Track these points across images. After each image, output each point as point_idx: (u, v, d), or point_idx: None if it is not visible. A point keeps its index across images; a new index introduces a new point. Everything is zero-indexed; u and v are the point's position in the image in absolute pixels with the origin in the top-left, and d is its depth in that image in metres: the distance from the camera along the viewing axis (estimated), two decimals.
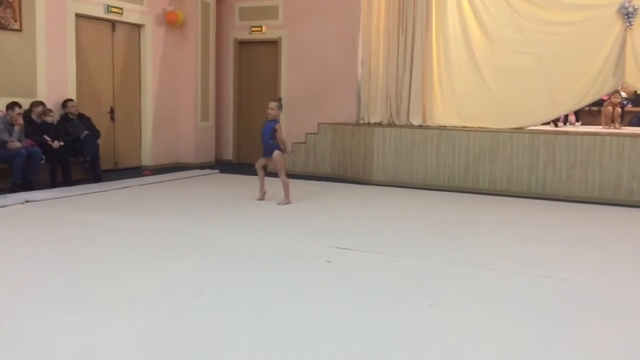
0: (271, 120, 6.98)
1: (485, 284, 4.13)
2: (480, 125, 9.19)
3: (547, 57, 8.86)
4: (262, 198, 7.23)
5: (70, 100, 8.60)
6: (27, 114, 7.95)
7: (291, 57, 10.83)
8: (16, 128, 7.54)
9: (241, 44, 11.43)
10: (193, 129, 10.96)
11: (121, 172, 9.50)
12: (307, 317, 3.42)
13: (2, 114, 7.63)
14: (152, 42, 10.32)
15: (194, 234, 5.41)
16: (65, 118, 8.47)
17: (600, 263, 4.78)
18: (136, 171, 9.76)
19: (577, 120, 12.00)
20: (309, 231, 5.71)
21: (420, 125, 9.45)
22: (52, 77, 8.55)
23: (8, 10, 7.92)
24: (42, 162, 7.74)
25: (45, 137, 7.94)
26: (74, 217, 6.05)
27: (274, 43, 11.01)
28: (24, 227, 5.58)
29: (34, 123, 8.04)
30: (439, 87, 9.61)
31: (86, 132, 8.50)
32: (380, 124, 9.84)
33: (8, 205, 6.44)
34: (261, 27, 11.07)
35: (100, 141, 8.75)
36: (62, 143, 8.04)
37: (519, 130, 8.77)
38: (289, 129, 9.69)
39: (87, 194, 7.41)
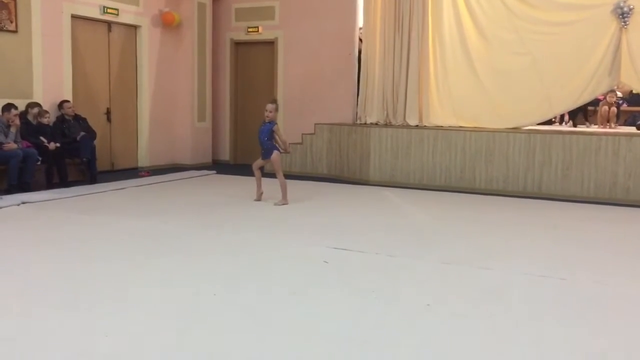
0: (268, 122, 6.99)
1: (483, 284, 4.14)
2: (477, 125, 9.22)
3: (543, 57, 8.89)
4: (259, 199, 7.23)
5: (67, 101, 8.59)
6: (23, 116, 7.94)
7: (287, 57, 10.83)
8: (12, 129, 7.53)
9: (237, 44, 11.43)
10: (190, 130, 10.95)
11: (118, 173, 9.49)
12: (304, 318, 3.43)
13: None
14: (148, 43, 10.31)
15: (191, 235, 5.41)
16: (61, 119, 8.46)
17: (596, 262, 4.80)
18: (133, 172, 9.75)
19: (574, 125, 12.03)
20: (306, 232, 5.71)
21: (417, 126, 9.47)
22: (48, 78, 8.54)
23: (4, 11, 7.91)
24: (39, 163, 7.72)
25: (42, 138, 7.93)
26: (70, 218, 6.04)
27: (271, 44, 11.01)
28: (20, 229, 5.57)
29: (30, 124, 8.03)
30: (435, 87, 9.63)
31: (82, 133, 8.49)
32: (376, 124, 9.86)
33: (4, 207, 6.43)
34: (257, 27, 11.07)
35: (96, 142, 8.74)
36: (58, 144, 8.03)
37: (515, 130, 8.79)
38: (286, 129, 9.69)
39: (84, 195, 7.40)
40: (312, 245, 5.10)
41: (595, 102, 10.98)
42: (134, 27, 10.15)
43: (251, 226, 5.91)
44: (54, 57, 8.62)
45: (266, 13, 10.96)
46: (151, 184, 8.55)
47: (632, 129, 10.11)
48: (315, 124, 10.18)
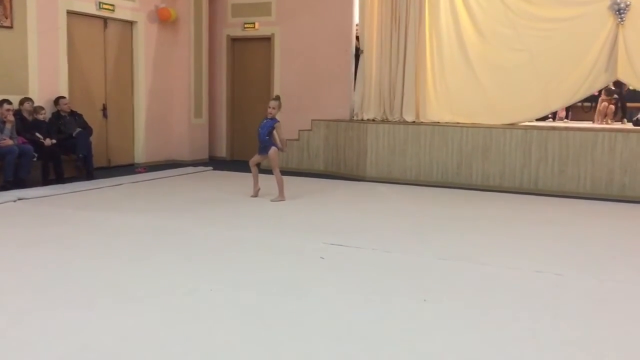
0: (270, 119, 6.97)
1: (479, 280, 4.15)
2: (473, 121, 9.22)
3: (540, 53, 8.89)
4: (256, 195, 7.23)
5: (63, 97, 8.56)
6: (19, 112, 7.92)
7: (284, 53, 10.81)
8: (7, 125, 7.51)
9: (234, 40, 11.41)
10: (186, 126, 10.93)
11: (114, 170, 9.47)
12: (300, 313, 3.43)
13: None
14: (144, 39, 10.28)
15: (188, 231, 5.40)
16: (57, 115, 8.43)
17: (592, 258, 4.81)
18: (129, 168, 9.73)
19: (567, 117, 12.06)
20: (302, 228, 5.71)
21: (414, 122, 9.46)
22: (43, 74, 8.51)
23: None
24: (35, 159, 7.70)
25: (37, 134, 7.90)
26: (66, 214, 6.03)
27: (267, 40, 10.99)
28: (16, 225, 5.56)
29: (26, 120, 8.01)
30: (432, 84, 9.62)
31: (78, 129, 8.47)
32: (373, 120, 9.85)
33: (0, 203, 6.41)
34: (254, 23, 11.04)
35: (92, 138, 8.72)
36: (54, 141, 8.01)
37: (512, 126, 8.80)
38: (282, 125, 9.66)
39: (80, 191, 7.39)
40: (309, 241, 5.10)
41: (592, 98, 11.00)
42: (130, 23, 10.11)
43: (248, 222, 5.90)
44: (49, 53, 8.59)
45: (263, 9, 10.93)
46: (147, 180, 8.53)
47: (629, 125, 10.12)
48: (312, 120, 10.17)
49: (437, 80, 9.59)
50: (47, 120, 8.26)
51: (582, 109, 11.96)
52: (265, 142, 6.99)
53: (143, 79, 10.33)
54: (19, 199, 6.68)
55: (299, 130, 10.21)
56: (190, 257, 4.56)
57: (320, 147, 10.04)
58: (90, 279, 3.98)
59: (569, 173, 8.02)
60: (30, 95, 8.25)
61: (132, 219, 5.89)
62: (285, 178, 7.29)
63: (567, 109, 11.87)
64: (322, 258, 4.59)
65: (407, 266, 4.46)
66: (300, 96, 10.60)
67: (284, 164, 9.38)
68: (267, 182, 7.33)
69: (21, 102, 8.05)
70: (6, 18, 7.98)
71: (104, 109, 9.76)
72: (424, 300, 3.67)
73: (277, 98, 7.13)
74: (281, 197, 7.03)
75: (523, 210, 6.89)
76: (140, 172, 9.26)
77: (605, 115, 10.93)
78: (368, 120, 9.87)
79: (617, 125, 10.12)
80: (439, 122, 9.32)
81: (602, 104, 11.00)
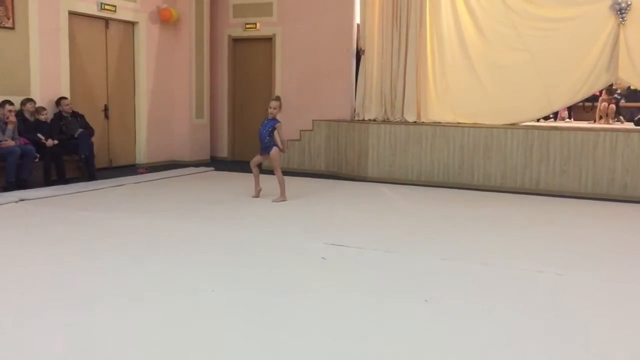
0: (271, 119, 6.98)
1: (480, 280, 4.15)
2: (475, 121, 9.22)
3: (541, 53, 8.89)
4: (257, 195, 7.23)
5: (64, 98, 8.58)
6: (20, 113, 7.93)
7: (285, 54, 10.82)
8: (9, 126, 7.52)
9: (235, 41, 11.41)
10: (188, 127, 10.94)
11: (116, 170, 9.48)
12: (302, 314, 3.43)
13: None
14: (146, 40, 10.29)
15: (190, 231, 5.41)
16: (59, 116, 8.44)
17: (593, 257, 4.81)
18: (131, 169, 9.74)
19: (569, 117, 12.06)
20: (304, 228, 5.71)
21: (415, 122, 9.47)
22: (45, 75, 8.52)
23: (0, 8, 7.89)
24: (36, 160, 7.71)
25: (39, 135, 7.92)
26: (68, 215, 6.04)
27: (268, 40, 11.00)
28: (18, 226, 5.57)
29: (28, 121, 8.02)
30: (433, 84, 9.62)
31: (80, 130, 8.48)
32: (374, 120, 9.85)
33: (2, 204, 6.42)
34: (255, 24, 11.05)
35: (94, 139, 8.73)
36: (56, 141, 8.02)
37: (513, 126, 8.80)
38: (284, 125, 9.66)
39: (82, 192, 7.39)
40: (310, 242, 5.11)
41: (593, 98, 11.00)
42: (132, 24, 10.13)
43: (249, 223, 5.91)
44: (51, 54, 8.60)
45: (264, 9, 10.94)
46: (149, 180, 8.54)
47: (631, 125, 10.11)
48: (313, 120, 10.18)
49: (438, 80, 9.59)
50: (49, 121, 8.27)
51: (583, 108, 11.96)
52: (267, 142, 6.99)
53: (144, 79, 10.34)
54: (21, 200, 6.69)
55: (300, 131, 10.22)
56: (192, 258, 4.57)
57: (322, 148, 10.05)
58: (92, 279, 3.99)
59: (570, 173, 8.02)
60: (32, 96, 8.26)
61: (133, 219, 5.90)
62: (287, 178, 7.29)
63: (570, 109, 11.88)
64: (324, 258, 4.60)
65: (408, 266, 4.46)
66: (301, 96, 10.60)
67: (285, 164, 9.39)
68: (269, 183, 7.33)
69: (23, 103, 8.06)
70: (8, 19, 8.00)
71: (106, 109, 9.77)
72: (426, 300, 3.67)
73: (278, 98, 7.14)
74: (283, 197, 7.04)
75: (524, 210, 6.89)
76: (141, 173, 9.27)
77: (607, 115, 10.92)
78: (369, 120, 9.87)
79: (619, 125, 10.11)
80: (440, 122, 9.32)
81: (602, 104, 10.99)
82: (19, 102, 8.01)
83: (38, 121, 8.11)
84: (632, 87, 11.29)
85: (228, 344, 3.00)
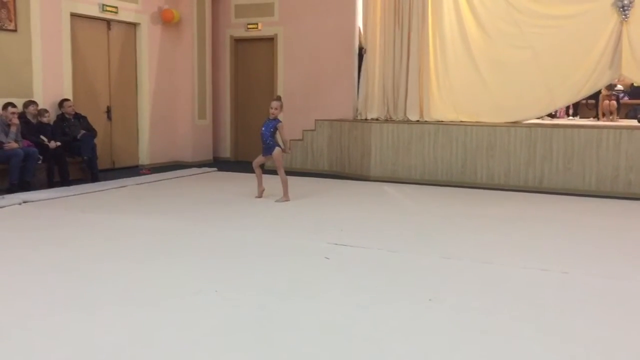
0: (272, 119, 6.97)
1: (484, 279, 4.14)
2: (478, 120, 9.20)
3: (544, 50, 8.87)
4: (260, 196, 7.23)
5: (67, 100, 8.58)
6: (23, 115, 7.94)
7: (287, 53, 10.82)
8: (12, 129, 7.53)
9: (237, 41, 11.42)
10: (190, 127, 10.95)
11: (118, 171, 9.49)
12: (306, 314, 3.42)
13: None
14: (148, 41, 10.30)
15: (192, 232, 5.41)
16: (61, 118, 8.45)
17: (598, 256, 4.79)
18: (133, 170, 9.75)
19: (575, 115, 12.03)
20: (307, 228, 5.71)
21: (418, 121, 9.45)
22: (48, 77, 8.53)
23: (3, 10, 7.90)
24: (39, 162, 7.72)
25: (42, 137, 7.93)
26: (72, 217, 6.05)
27: (270, 40, 10.99)
28: (21, 228, 5.57)
29: (31, 123, 8.03)
30: (436, 82, 9.61)
31: (83, 131, 8.49)
32: (377, 119, 9.84)
33: (5, 206, 6.43)
34: (257, 24, 11.05)
35: (97, 140, 8.75)
36: (59, 143, 8.03)
37: (516, 124, 8.78)
38: (286, 125, 9.64)
39: (85, 193, 7.40)
40: (314, 242, 5.10)
41: (596, 96, 10.97)
42: (134, 25, 10.13)
43: (252, 223, 5.90)
44: (53, 55, 8.61)
45: (266, 9, 10.94)
46: (152, 181, 8.55)
47: (634, 122, 10.08)
48: (316, 120, 10.17)
49: (440, 79, 9.57)
50: (51, 122, 8.29)
51: (586, 106, 11.94)
52: (269, 143, 6.98)
53: (147, 80, 10.34)
54: (24, 202, 6.70)
55: (303, 131, 10.21)
56: (195, 259, 4.57)
57: (324, 147, 10.04)
58: (95, 281, 3.99)
59: (574, 170, 7.99)
60: (34, 98, 8.27)
61: (136, 220, 5.90)
62: (290, 178, 7.29)
63: (575, 107, 11.85)
64: (327, 258, 4.59)
65: (412, 266, 4.45)
66: (303, 96, 10.60)
67: (288, 164, 9.39)
68: (272, 183, 7.33)
69: (26, 105, 8.07)
70: (10, 21, 8.01)
71: (108, 110, 9.78)
72: (430, 299, 3.66)
73: (279, 98, 7.13)
74: (285, 197, 7.03)
75: (528, 208, 6.87)
76: (144, 174, 9.27)
77: (610, 112, 10.89)
78: (372, 119, 9.87)
79: (622, 122, 10.08)
80: (443, 121, 9.30)
81: (604, 101, 10.96)
82: (22, 104, 8.03)
83: (41, 123, 8.12)
84: (635, 84, 11.28)
85: (232, 345, 2.99)
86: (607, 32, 8.54)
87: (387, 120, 9.75)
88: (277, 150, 7.00)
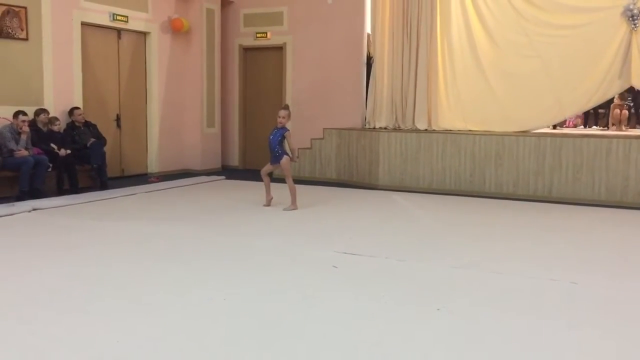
0: (280, 128, 6.99)
1: (493, 288, 4.11)
2: (486, 129, 9.18)
3: (553, 60, 8.85)
4: (268, 204, 7.24)
5: (77, 108, 8.65)
6: (33, 123, 8.00)
7: (296, 62, 10.86)
8: (23, 136, 7.59)
9: (246, 50, 11.48)
10: (199, 136, 10.99)
11: (127, 179, 9.53)
12: (313, 322, 3.42)
13: (8, 122, 7.69)
14: (157, 50, 10.37)
15: (201, 240, 5.42)
16: (71, 126, 8.52)
17: (607, 266, 4.76)
18: (142, 178, 9.79)
19: (585, 125, 11.98)
20: (315, 236, 5.70)
21: (426, 130, 9.44)
22: (58, 85, 8.60)
23: (14, 19, 7.98)
24: (49, 170, 7.78)
25: (52, 145, 7.99)
26: (81, 224, 6.07)
27: (279, 49, 11.04)
28: (32, 235, 5.61)
29: (41, 131, 8.10)
30: (444, 91, 9.61)
31: (92, 139, 8.55)
32: (385, 128, 9.84)
33: (16, 214, 6.47)
34: (266, 33, 11.11)
35: (106, 149, 8.80)
36: (69, 151, 8.08)
37: (525, 133, 8.75)
38: (294, 134, 9.68)
39: (94, 201, 7.44)
40: (322, 250, 5.09)
41: (606, 105, 10.93)
42: (144, 34, 10.21)
43: (260, 231, 5.91)
44: (64, 64, 8.68)
45: (274, 18, 11.00)
46: (161, 189, 8.58)
47: None
48: (324, 128, 10.19)
49: (449, 87, 9.57)
50: (61, 131, 8.35)
51: (595, 115, 11.89)
52: (277, 151, 7.00)
53: (156, 89, 10.41)
54: (34, 209, 6.74)
55: (311, 139, 10.23)
56: (203, 266, 4.57)
57: (332, 156, 10.05)
58: (105, 287, 4.00)
59: (583, 180, 7.95)
60: (45, 107, 8.34)
61: (145, 228, 5.92)
62: (298, 187, 7.29)
63: (586, 116, 11.80)
64: (335, 267, 4.58)
65: (420, 275, 4.44)
66: (312, 105, 10.63)
67: (296, 173, 9.40)
68: (280, 191, 7.34)
69: (36, 113, 8.14)
70: (22, 30, 8.09)
71: (118, 119, 9.84)
72: (438, 309, 3.65)
73: (286, 107, 7.15)
74: (293, 206, 7.03)
75: (537, 218, 6.84)
76: (153, 182, 9.31)
77: (620, 122, 10.84)
78: (380, 128, 9.87)
79: (631, 132, 10.03)
80: (451, 130, 9.29)
81: (615, 110, 10.91)
82: (33, 112, 8.09)
83: (51, 131, 8.18)
84: None
85: (240, 352, 2.99)
86: (617, 42, 8.51)
87: (396, 129, 9.74)
88: (285, 158, 7.01)
